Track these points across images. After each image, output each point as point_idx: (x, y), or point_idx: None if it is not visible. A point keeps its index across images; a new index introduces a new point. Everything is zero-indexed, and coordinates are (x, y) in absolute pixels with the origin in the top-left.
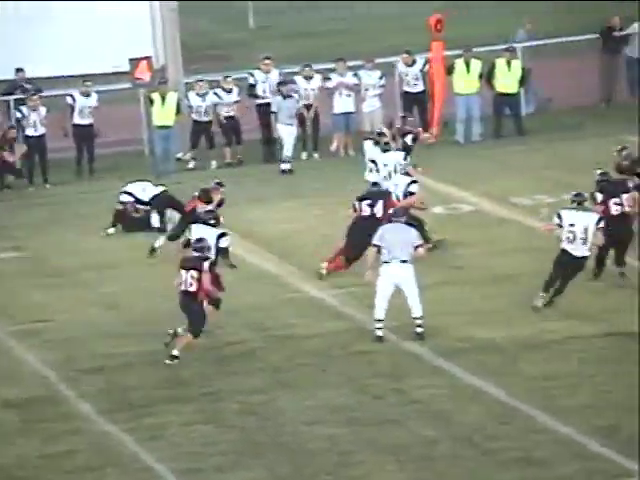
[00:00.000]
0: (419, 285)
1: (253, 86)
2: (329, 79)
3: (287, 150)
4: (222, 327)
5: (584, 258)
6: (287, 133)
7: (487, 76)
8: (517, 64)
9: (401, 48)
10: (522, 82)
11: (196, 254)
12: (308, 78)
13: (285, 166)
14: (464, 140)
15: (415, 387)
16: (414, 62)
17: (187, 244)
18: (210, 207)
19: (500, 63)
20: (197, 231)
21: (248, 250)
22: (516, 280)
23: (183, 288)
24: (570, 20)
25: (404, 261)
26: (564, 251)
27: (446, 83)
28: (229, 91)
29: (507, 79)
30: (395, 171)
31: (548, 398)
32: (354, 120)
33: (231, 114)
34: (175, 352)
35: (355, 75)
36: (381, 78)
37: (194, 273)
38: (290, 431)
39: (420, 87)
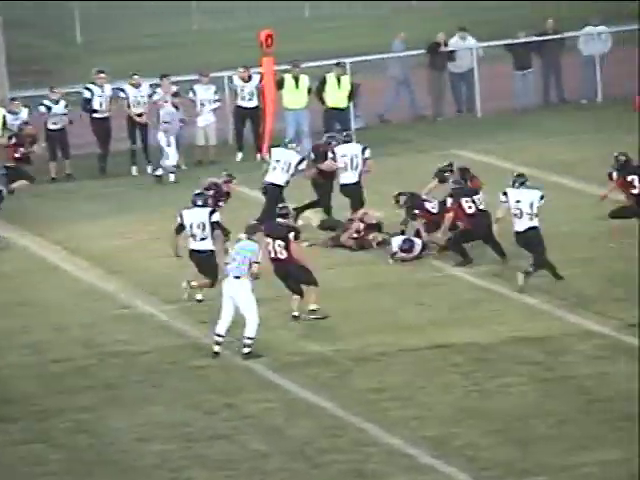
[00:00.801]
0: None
1: (88, 100)
2: (155, 93)
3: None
4: (51, 344)
5: (534, 228)
6: (165, 142)
7: (317, 91)
8: (346, 79)
9: (231, 63)
10: (351, 97)
11: (281, 220)
12: (137, 86)
13: (159, 172)
14: None
15: (248, 402)
16: (250, 77)
17: (179, 230)
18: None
19: (330, 78)
20: (188, 214)
21: (78, 266)
22: (346, 295)
23: (273, 256)
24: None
25: (237, 277)
26: (517, 233)
27: (276, 98)
28: (56, 102)
29: (337, 94)
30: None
31: (379, 410)
32: (182, 134)
33: (59, 126)
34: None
35: (191, 90)
36: (216, 93)
37: (281, 242)
38: (120, 449)
39: (254, 102)
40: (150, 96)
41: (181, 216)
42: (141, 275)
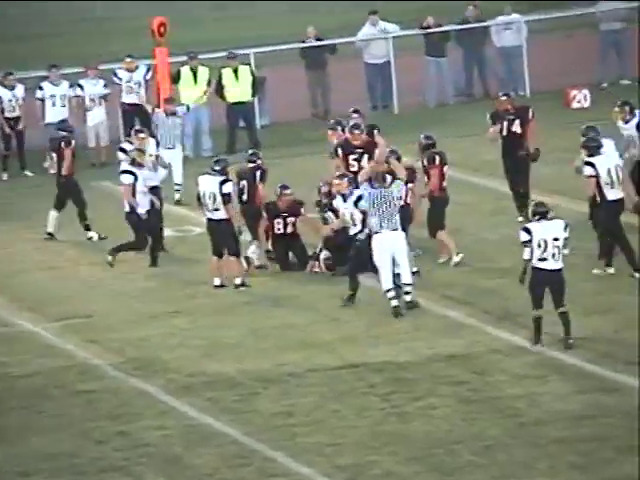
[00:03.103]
0: (143, 318)
1: None
2: (41, 89)
3: (177, 177)
4: None
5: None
6: (171, 157)
7: (215, 87)
8: (245, 70)
9: (115, 54)
10: (254, 90)
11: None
12: (10, 87)
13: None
14: (193, 155)
15: (143, 429)
16: (137, 68)
17: (198, 197)
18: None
19: (226, 72)
20: (202, 181)
21: None
22: (251, 310)
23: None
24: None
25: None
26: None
27: (172, 93)
28: None
29: (236, 88)
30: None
31: (288, 437)
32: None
33: None
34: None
35: (78, 85)
36: (105, 87)
37: (292, 219)
38: None
39: (142, 97)
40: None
41: (197, 182)
42: (21, 289)
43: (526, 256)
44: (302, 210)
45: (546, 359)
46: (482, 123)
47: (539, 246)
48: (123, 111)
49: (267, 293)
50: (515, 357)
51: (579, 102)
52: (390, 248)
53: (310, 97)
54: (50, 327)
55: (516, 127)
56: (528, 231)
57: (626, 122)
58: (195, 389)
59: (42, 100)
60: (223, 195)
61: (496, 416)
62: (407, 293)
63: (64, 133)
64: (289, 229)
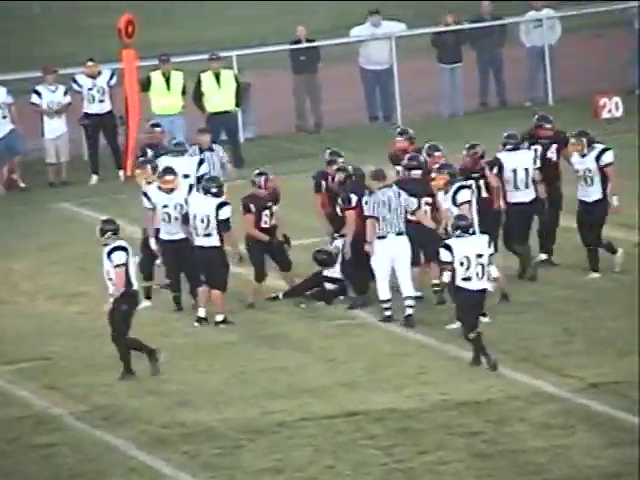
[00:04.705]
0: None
1: None
2: None
3: None
4: None
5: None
6: None
7: (194, 94)
8: (229, 76)
9: (80, 57)
10: (238, 99)
11: None
12: None
13: None
14: None
15: None
16: (100, 73)
17: (186, 220)
18: None
19: (206, 77)
20: (195, 201)
21: None
22: (236, 350)
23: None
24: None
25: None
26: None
27: (141, 101)
28: None
29: (218, 96)
30: None
31: None
32: (19, 145)
33: None
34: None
35: (35, 92)
36: (66, 94)
37: (276, 207)
38: None
39: (107, 106)
40: None
41: (186, 202)
42: None
43: (446, 279)
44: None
45: (572, 406)
46: (495, 137)
47: (462, 264)
48: (84, 123)
49: (253, 331)
50: (536, 404)
51: (609, 111)
52: (391, 255)
53: (295, 106)
54: (2, 371)
55: (552, 153)
56: (449, 248)
57: (582, 156)
58: (170, 442)
59: None
60: (221, 222)
61: (515, 472)
62: (409, 307)
63: None
64: (273, 220)
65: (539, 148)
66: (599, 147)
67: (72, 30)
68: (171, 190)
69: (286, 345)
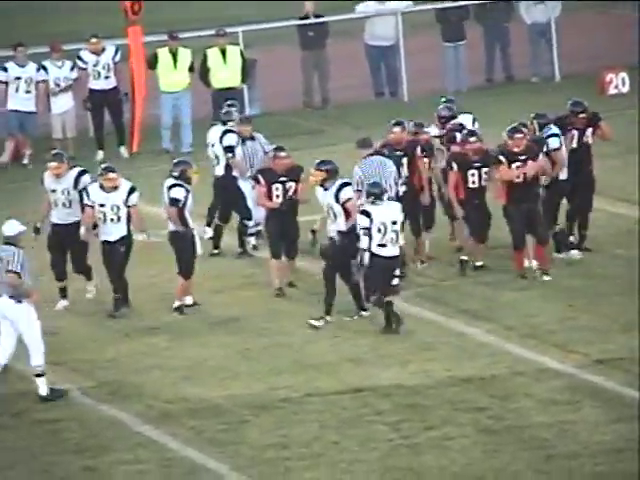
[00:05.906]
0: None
1: None
2: (5, 70)
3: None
4: None
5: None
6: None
7: (200, 70)
8: (235, 52)
9: (79, 33)
10: (244, 75)
11: None
12: None
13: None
14: (174, 149)
15: (114, 464)
16: (104, 50)
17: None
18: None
19: (212, 53)
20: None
21: None
22: (240, 326)
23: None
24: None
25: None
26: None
27: (147, 78)
28: None
29: (224, 72)
30: None
31: (282, 472)
32: (33, 122)
33: None
34: None
35: (42, 67)
36: (72, 70)
37: (292, 184)
38: None
39: (112, 83)
40: None
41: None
42: None
43: (364, 245)
44: (302, 176)
45: (578, 382)
46: (502, 114)
47: (379, 231)
48: (88, 107)
49: (257, 308)
50: (542, 380)
51: (616, 87)
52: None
53: (303, 82)
54: None
55: (588, 137)
56: (368, 214)
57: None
58: (175, 417)
59: (5, 83)
60: (170, 199)
61: (521, 448)
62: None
63: None
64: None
65: (575, 133)
66: None
67: (75, 7)
68: (113, 188)
69: (290, 322)
